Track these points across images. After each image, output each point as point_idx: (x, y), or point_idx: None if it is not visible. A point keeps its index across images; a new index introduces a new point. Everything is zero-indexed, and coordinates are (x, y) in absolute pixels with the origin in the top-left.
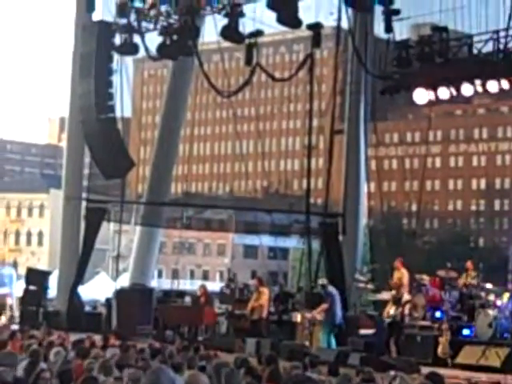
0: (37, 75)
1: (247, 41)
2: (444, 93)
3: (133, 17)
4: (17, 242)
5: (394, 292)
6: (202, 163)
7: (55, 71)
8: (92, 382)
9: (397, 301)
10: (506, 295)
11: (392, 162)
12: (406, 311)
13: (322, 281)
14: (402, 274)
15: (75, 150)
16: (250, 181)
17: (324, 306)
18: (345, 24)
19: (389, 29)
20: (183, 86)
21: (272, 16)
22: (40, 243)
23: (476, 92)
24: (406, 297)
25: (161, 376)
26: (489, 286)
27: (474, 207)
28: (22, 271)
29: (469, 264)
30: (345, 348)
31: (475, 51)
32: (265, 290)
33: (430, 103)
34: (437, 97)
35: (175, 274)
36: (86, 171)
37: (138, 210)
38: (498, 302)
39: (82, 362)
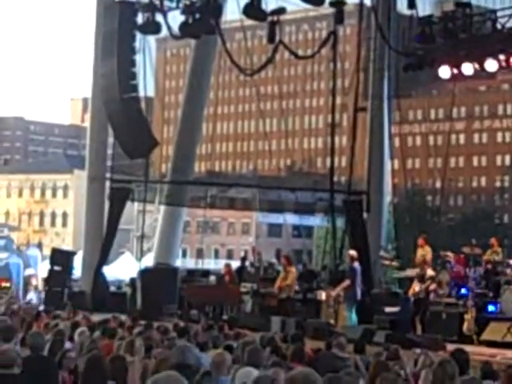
0: (59, 55)
1: (270, 18)
2: (468, 68)
3: None
4: (41, 223)
5: (418, 269)
6: (226, 142)
7: (78, 51)
8: (120, 361)
9: (421, 278)
10: None
11: (416, 139)
12: (431, 287)
13: (352, 253)
14: (425, 251)
15: (98, 130)
16: (274, 159)
17: (347, 282)
18: (368, 0)
19: (412, 5)
20: (206, 65)
21: None
22: (64, 224)
23: (500, 67)
24: (430, 273)
25: (187, 354)
26: None
27: (498, 183)
28: (47, 252)
29: (493, 240)
30: (370, 326)
31: (499, 26)
32: (292, 269)
33: (454, 79)
34: (460, 73)
35: (199, 254)
36: (110, 151)
37: (161, 189)
38: None
39: (108, 341)
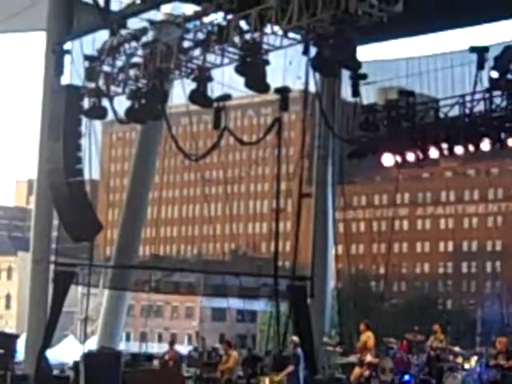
0: (4, 137)
1: (215, 104)
2: (411, 156)
3: (101, 81)
4: None
5: (358, 355)
6: (170, 226)
7: (23, 134)
8: None
9: (361, 364)
10: (474, 358)
11: (360, 224)
12: (367, 373)
13: (295, 339)
14: (367, 337)
15: (43, 212)
16: (218, 243)
17: (290, 368)
18: (312, 88)
19: (356, 93)
20: (151, 149)
21: (240, 80)
22: (8, 306)
23: (443, 155)
24: (369, 358)
25: None
26: (457, 349)
27: (441, 270)
28: None
29: (436, 327)
30: None
31: (441, 115)
32: (233, 353)
33: (398, 166)
34: (404, 160)
35: (143, 337)
36: (55, 234)
37: (106, 272)
38: (466, 365)
39: None
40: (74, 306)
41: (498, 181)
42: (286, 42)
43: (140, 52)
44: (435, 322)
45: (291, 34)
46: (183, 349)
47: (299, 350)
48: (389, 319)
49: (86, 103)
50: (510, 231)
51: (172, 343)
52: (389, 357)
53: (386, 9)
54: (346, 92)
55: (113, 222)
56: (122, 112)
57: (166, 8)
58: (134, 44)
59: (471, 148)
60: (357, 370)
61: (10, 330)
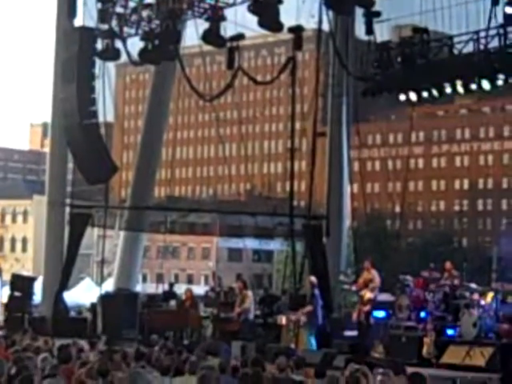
0: (19, 80)
1: (228, 44)
2: (425, 94)
3: (114, 22)
4: (1, 248)
5: (361, 292)
6: (185, 167)
7: (37, 76)
8: None
9: (361, 300)
10: (490, 295)
11: (375, 163)
12: (366, 308)
13: (312, 279)
14: (373, 275)
15: (58, 155)
16: (234, 184)
17: (309, 307)
18: (326, 26)
19: (369, 31)
20: (165, 91)
21: (253, 19)
22: (24, 249)
23: (457, 93)
24: (369, 295)
25: (137, 379)
26: (473, 285)
27: (457, 207)
28: (7, 277)
29: (448, 264)
30: (330, 350)
31: (456, 52)
32: (248, 293)
33: (412, 104)
34: (418, 98)
35: (159, 278)
36: (70, 177)
37: (121, 214)
38: (482, 302)
39: (66, 366)
40: (90, 249)
41: None
42: None
43: None
44: (449, 260)
45: None
46: (200, 289)
47: (316, 290)
48: (405, 257)
49: (100, 45)
50: None
51: (172, 285)
52: (405, 294)
53: None
54: (360, 30)
55: (128, 164)
56: (135, 53)
57: None
58: None
59: (486, 85)
60: (359, 306)
61: (27, 272)
